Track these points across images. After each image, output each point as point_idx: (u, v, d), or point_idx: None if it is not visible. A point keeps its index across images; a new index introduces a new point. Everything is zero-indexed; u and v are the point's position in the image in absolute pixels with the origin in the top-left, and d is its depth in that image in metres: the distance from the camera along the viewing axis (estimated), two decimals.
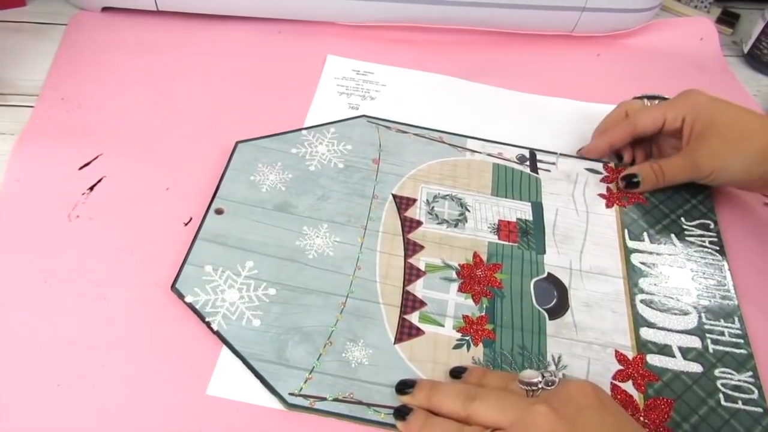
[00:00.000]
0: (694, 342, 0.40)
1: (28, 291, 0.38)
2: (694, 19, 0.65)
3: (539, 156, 0.49)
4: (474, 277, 0.42)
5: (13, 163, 0.44)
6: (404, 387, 0.36)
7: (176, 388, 0.35)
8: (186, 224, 0.43)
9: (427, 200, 0.45)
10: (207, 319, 0.37)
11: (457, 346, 0.38)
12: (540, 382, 0.33)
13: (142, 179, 0.45)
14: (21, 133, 0.46)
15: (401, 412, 0.34)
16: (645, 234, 0.46)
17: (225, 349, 0.37)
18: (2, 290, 0.38)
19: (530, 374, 0.33)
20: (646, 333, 0.40)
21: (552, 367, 0.38)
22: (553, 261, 0.43)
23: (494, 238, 0.44)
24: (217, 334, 0.37)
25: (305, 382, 0.36)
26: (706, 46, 0.63)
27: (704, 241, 0.45)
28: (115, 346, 0.36)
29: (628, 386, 0.38)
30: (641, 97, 0.49)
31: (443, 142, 0.49)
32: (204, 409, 0.35)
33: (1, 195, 0.42)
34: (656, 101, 0.48)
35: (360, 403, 0.35)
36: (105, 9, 0.56)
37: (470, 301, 0.40)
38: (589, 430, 0.30)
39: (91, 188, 0.44)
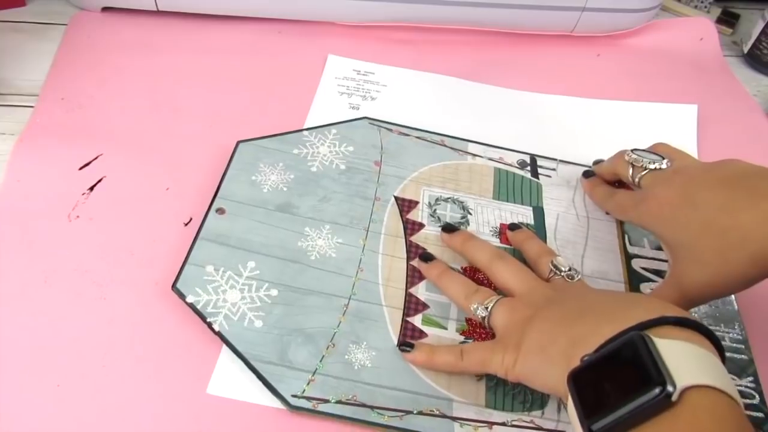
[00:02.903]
0: None
1: (28, 291, 0.38)
2: (694, 19, 0.65)
3: (540, 162, 0.49)
4: (476, 280, 0.41)
5: (13, 163, 0.44)
6: (448, 229, 0.43)
7: (176, 388, 0.35)
8: (186, 224, 0.42)
9: (429, 203, 0.45)
10: (208, 320, 0.37)
11: None
12: (564, 270, 0.39)
13: (142, 179, 0.45)
14: (21, 133, 0.46)
15: (426, 257, 0.41)
16: (645, 240, 0.45)
17: (225, 349, 0.37)
18: (2, 290, 0.38)
19: (563, 261, 0.39)
20: None
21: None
22: None
23: (496, 242, 0.44)
24: (219, 334, 0.36)
25: (308, 384, 0.35)
26: (706, 46, 0.63)
27: None
28: (115, 346, 0.36)
29: None
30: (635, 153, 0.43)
31: (444, 146, 0.49)
32: (204, 409, 0.35)
33: (1, 195, 0.42)
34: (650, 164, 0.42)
35: (363, 405, 0.35)
36: (105, 9, 0.56)
37: None
38: (573, 295, 0.36)
39: (91, 188, 0.44)
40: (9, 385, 0.34)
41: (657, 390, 0.25)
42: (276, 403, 0.35)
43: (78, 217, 0.42)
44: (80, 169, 0.44)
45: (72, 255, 0.40)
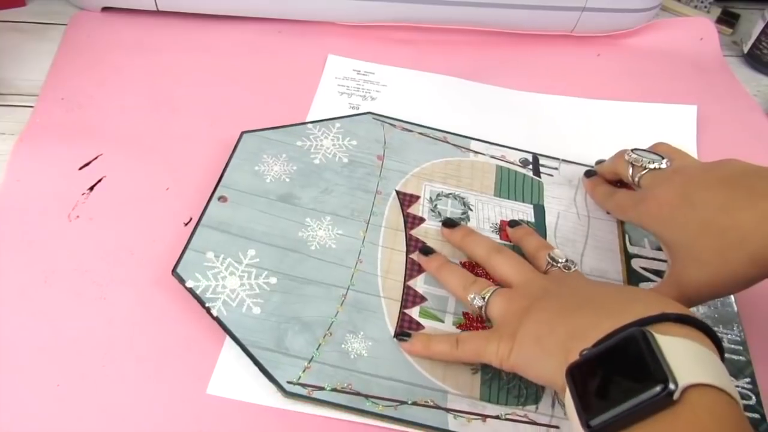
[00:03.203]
0: None
1: (28, 291, 0.38)
2: (694, 19, 0.65)
3: (542, 161, 0.49)
4: (476, 275, 0.41)
5: (13, 163, 0.44)
6: (448, 224, 0.43)
7: (176, 388, 0.35)
8: (186, 224, 0.42)
9: (431, 198, 0.45)
10: (207, 305, 0.37)
11: None
12: (561, 261, 0.39)
13: (142, 179, 0.45)
14: (21, 133, 0.46)
15: (426, 250, 0.42)
16: (645, 240, 0.45)
17: (225, 349, 0.37)
18: (2, 290, 0.38)
19: (559, 253, 0.39)
20: None
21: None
22: None
23: (496, 238, 0.44)
24: (217, 320, 0.37)
25: (304, 371, 0.36)
26: (706, 46, 0.63)
27: None
28: (115, 346, 0.36)
29: None
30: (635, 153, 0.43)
31: (447, 142, 0.49)
32: (204, 409, 0.35)
33: (1, 195, 0.42)
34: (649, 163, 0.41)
35: (358, 394, 0.35)
36: (105, 9, 0.56)
37: None
38: (571, 286, 0.36)
39: (91, 188, 0.44)
40: (9, 385, 0.34)
41: (658, 388, 0.25)
42: (275, 403, 0.35)
43: (78, 217, 0.42)
44: (80, 169, 0.44)
45: (72, 255, 0.40)
